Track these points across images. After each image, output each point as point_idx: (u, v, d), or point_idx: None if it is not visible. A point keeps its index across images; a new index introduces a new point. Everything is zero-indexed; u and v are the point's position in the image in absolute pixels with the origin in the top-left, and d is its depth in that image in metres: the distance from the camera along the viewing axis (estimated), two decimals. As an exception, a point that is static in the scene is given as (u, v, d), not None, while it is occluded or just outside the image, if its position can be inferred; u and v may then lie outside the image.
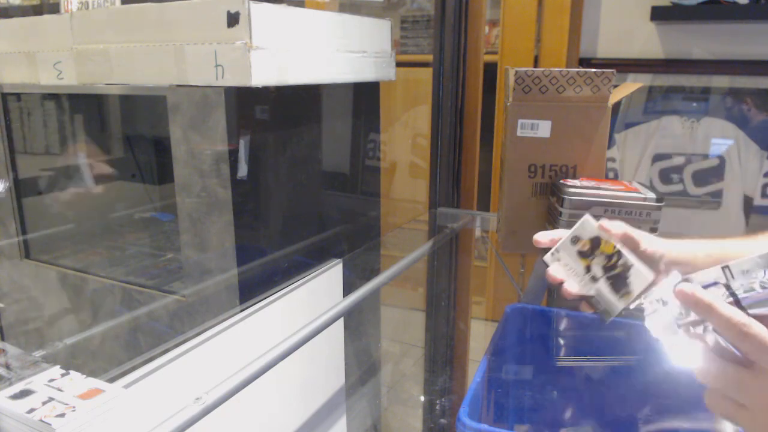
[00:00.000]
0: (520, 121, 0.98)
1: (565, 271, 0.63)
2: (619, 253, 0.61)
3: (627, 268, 0.60)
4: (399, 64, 1.16)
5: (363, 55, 1.02)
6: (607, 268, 0.61)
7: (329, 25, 0.93)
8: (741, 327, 0.42)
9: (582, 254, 0.64)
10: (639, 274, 0.58)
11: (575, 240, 0.65)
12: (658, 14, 1.54)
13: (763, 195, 1.60)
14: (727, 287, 0.48)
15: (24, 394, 0.55)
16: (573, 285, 0.62)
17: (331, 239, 1.10)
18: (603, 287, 0.61)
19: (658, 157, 1.69)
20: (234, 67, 0.77)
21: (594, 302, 0.62)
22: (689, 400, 0.49)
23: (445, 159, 1.43)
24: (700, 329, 0.49)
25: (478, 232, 1.49)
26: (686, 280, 0.49)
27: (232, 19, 0.76)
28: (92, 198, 1.30)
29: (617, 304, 0.60)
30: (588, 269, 0.63)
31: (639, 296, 0.58)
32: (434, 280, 1.35)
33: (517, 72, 0.96)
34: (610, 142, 1.66)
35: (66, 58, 0.95)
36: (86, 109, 1.27)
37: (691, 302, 0.45)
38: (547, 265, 0.65)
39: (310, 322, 0.79)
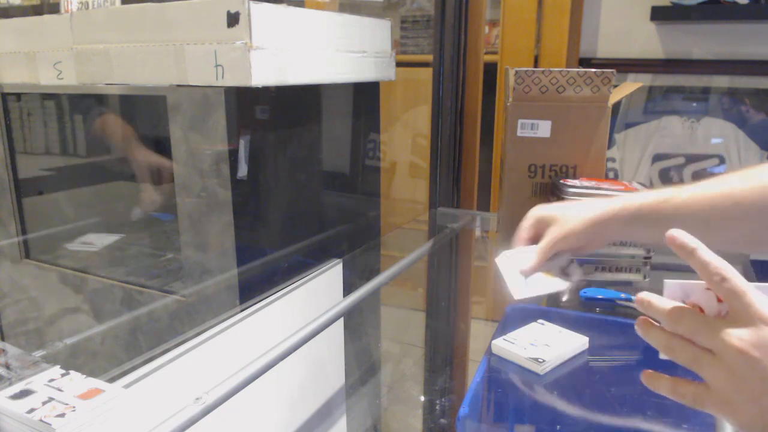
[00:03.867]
0: (520, 121, 0.98)
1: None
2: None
3: None
4: (399, 64, 1.16)
5: (363, 55, 1.02)
6: None
7: (329, 25, 0.93)
8: (719, 271, 0.45)
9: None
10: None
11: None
12: (658, 14, 1.54)
13: (763, 195, 1.60)
14: None
15: (24, 394, 0.55)
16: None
17: (331, 239, 1.10)
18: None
19: (658, 157, 1.69)
20: (234, 67, 0.77)
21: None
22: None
23: (445, 159, 1.43)
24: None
25: (478, 232, 1.49)
26: None
27: (232, 19, 0.76)
28: (92, 198, 1.30)
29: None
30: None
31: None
32: (434, 280, 1.35)
33: (517, 72, 0.96)
34: (610, 142, 1.66)
35: (66, 58, 0.95)
36: (86, 109, 1.27)
37: (672, 241, 0.48)
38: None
39: (310, 322, 0.79)
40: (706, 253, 0.46)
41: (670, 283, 0.50)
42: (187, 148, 0.86)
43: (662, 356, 0.50)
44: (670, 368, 0.48)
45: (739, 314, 0.45)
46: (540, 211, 0.75)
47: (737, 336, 0.44)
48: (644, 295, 0.49)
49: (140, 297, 1.01)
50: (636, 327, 0.51)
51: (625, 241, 0.92)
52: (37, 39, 0.99)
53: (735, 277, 0.45)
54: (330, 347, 1.08)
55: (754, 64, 1.56)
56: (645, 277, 0.96)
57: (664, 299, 0.49)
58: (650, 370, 0.50)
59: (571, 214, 0.70)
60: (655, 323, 0.50)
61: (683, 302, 0.49)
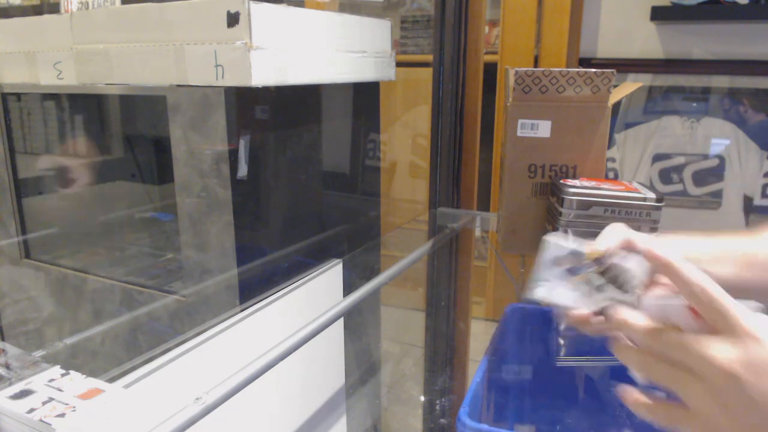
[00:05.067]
0: (520, 121, 0.98)
1: (564, 297, 0.58)
2: (605, 255, 0.58)
3: (622, 264, 0.57)
4: (399, 64, 1.16)
5: (363, 55, 1.02)
6: (604, 274, 0.58)
7: (329, 25, 0.93)
8: (703, 288, 0.42)
9: (571, 272, 0.60)
10: (637, 262, 0.56)
11: (555, 262, 0.61)
12: (658, 14, 1.55)
13: (763, 195, 1.60)
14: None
15: (24, 394, 0.55)
16: (582, 306, 0.57)
17: (331, 239, 1.10)
18: (613, 292, 0.57)
19: (658, 157, 1.69)
20: (234, 67, 0.77)
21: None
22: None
23: (445, 159, 1.43)
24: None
25: (478, 232, 1.49)
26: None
27: (232, 19, 0.76)
28: (92, 198, 1.30)
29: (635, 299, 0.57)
30: (587, 284, 0.59)
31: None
32: (434, 280, 1.35)
33: (517, 72, 0.96)
34: (610, 142, 1.66)
35: (66, 58, 0.95)
36: (86, 109, 1.27)
37: (653, 259, 0.45)
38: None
39: (310, 322, 0.79)
40: (687, 269, 0.43)
41: (648, 301, 0.48)
42: (187, 148, 0.86)
43: (640, 379, 0.46)
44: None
45: (725, 331, 0.41)
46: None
47: (724, 354, 0.40)
48: (618, 313, 0.47)
49: (140, 297, 1.01)
50: (610, 346, 0.48)
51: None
52: (37, 39, 0.99)
53: (720, 295, 0.42)
54: (330, 347, 1.08)
55: (754, 64, 1.57)
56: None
57: (639, 316, 0.46)
58: (627, 386, 0.47)
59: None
60: (630, 343, 0.47)
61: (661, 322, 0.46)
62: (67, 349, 1.03)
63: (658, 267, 0.45)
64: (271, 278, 0.94)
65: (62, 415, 0.52)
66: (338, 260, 1.07)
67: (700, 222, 1.66)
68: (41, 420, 0.51)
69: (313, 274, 1.00)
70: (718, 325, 0.42)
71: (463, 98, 1.44)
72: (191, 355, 0.75)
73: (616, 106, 1.67)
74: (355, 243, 1.17)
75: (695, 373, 0.41)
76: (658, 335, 0.44)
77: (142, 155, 1.28)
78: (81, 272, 1.10)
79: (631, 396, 0.46)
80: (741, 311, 0.41)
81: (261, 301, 0.88)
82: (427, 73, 1.43)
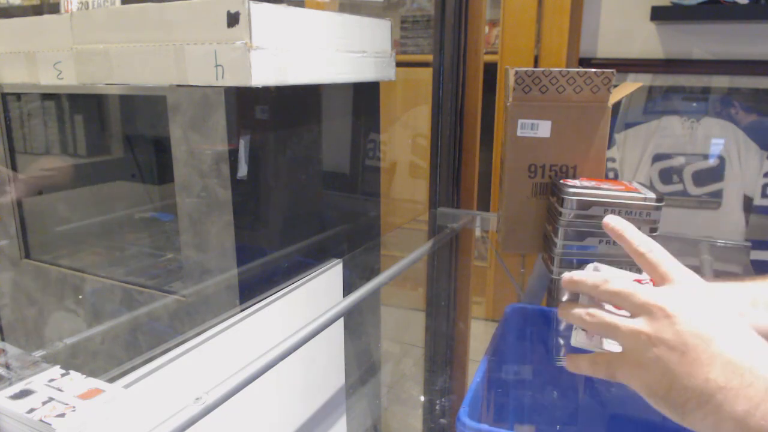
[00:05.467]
0: (520, 121, 0.98)
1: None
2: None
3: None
4: (399, 64, 1.16)
5: (363, 55, 1.02)
6: None
7: (329, 25, 0.93)
8: (646, 244, 0.50)
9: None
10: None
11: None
12: (658, 14, 1.54)
13: (763, 195, 1.60)
14: None
15: (24, 394, 0.55)
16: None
17: (331, 239, 1.10)
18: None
19: (658, 157, 1.69)
20: (234, 67, 0.77)
21: None
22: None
23: (445, 159, 1.43)
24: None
25: (478, 232, 1.49)
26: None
27: (232, 19, 0.76)
28: (92, 198, 1.30)
29: None
30: None
31: None
32: (434, 280, 1.35)
33: (517, 72, 0.96)
34: (610, 142, 1.66)
35: (66, 58, 0.95)
36: (86, 109, 1.27)
37: (607, 229, 0.52)
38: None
39: (310, 322, 0.79)
40: (635, 232, 0.51)
41: (601, 268, 0.54)
42: (187, 148, 0.86)
43: (582, 337, 0.52)
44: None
45: (662, 282, 0.48)
46: None
47: (660, 296, 0.46)
48: (567, 275, 0.53)
49: (140, 297, 1.01)
50: (558, 313, 0.54)
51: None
52: (37, 39, 0.99)
53: (659, 250, 0.49)
54: (330, 347, 1.08)
55: (754, 64, 1.56)
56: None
57: (586, 273, 0.52)
58: (570, 354, 0.53)
59: None
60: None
61: None
62: (67, 349, 1.03)
63: (611, 234, 0.52)
64: (271, 278, 0.94)
65: (62, 415, 0.52)
66: (338, 260, 1.07)
67: (700, 222, 1.66)
68: (41, 420, 0.51)
69: (313, 274, 1.00)
70: (655, 276, 0.49)
71: (463, 98, 1.44)
72: (191, 355, 0.75)
73: (616, 106, 1.67)
74: (355, 243, 1.17)
75: (633, 313, 0.47)
76: (602, 285, 0.49)
77: (142, 155, 1.28)
78: (81, 272, 1.10)
79: (574, 358, 0.52)
80: (675, 265, 0.48)
81: (261, 301, 0.88)
82: (427, 73, 1.43)
